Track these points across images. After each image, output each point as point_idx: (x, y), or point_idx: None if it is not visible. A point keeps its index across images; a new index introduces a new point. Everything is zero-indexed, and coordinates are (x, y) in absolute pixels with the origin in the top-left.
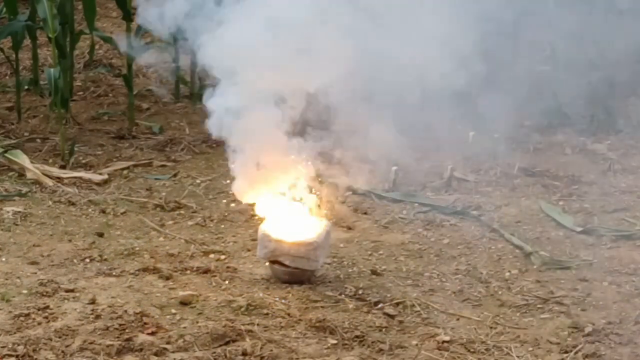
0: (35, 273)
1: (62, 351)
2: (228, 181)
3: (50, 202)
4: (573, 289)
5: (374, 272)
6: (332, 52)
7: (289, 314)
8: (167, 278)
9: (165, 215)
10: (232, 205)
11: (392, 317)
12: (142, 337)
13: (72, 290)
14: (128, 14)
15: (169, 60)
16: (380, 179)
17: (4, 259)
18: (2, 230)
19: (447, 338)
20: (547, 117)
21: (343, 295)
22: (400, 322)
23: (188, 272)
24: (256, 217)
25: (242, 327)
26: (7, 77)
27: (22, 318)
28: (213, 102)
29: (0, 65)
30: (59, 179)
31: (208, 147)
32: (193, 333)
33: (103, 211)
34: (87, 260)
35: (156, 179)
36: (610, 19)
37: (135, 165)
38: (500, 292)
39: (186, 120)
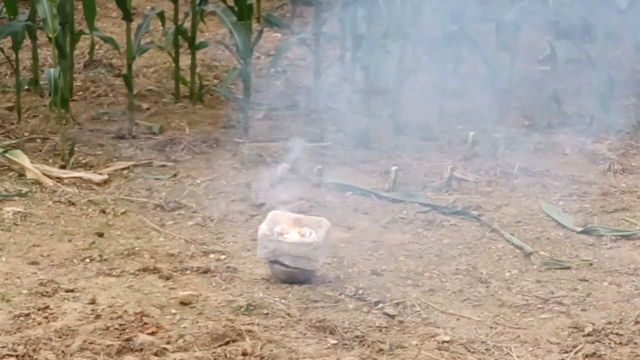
0: (35, 273)
1: (62, 351)
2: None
3: (50, 202)
4: (573, 289)
5: (374, 272)
6: None
7: (289, 314)
8: (167, 278)
9: (165, 215)
10: (232, 205)
11: (392, 317)
12: (142, 337)
13: (72, 290)
14: (128, 14)
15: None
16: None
17: (4, 259)
18: (2, 230)
19: (447, 338)
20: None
21: (343, 295)
22: (400, 322)
23: (188, 272)
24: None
25: (242, 327)
26: (7, 77)
27: (22, 318)
28: None
29: (0, 65)
30: (59, 179)
31: (208, 147)
32: (193, 333)
33: (103, 211)
34: (87, 260)
35: (156, 179)
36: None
37: (135, 165)
38: (500, 292)
39: (186, 120)
